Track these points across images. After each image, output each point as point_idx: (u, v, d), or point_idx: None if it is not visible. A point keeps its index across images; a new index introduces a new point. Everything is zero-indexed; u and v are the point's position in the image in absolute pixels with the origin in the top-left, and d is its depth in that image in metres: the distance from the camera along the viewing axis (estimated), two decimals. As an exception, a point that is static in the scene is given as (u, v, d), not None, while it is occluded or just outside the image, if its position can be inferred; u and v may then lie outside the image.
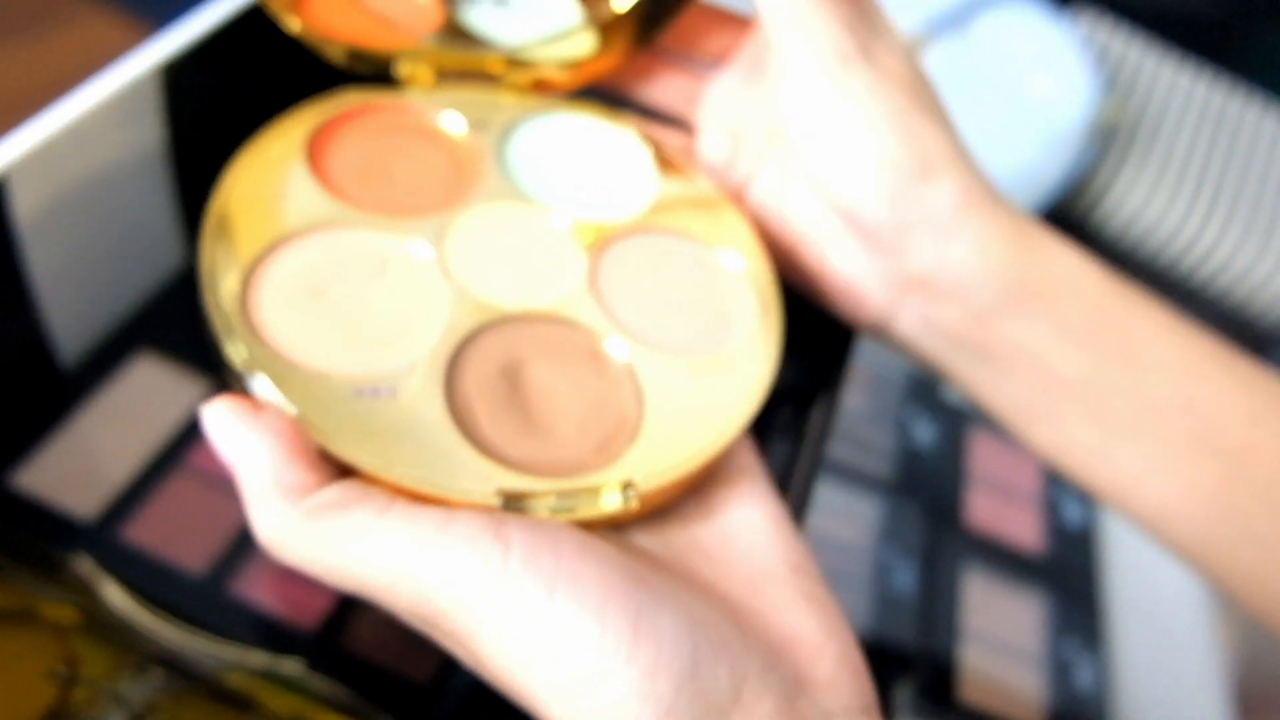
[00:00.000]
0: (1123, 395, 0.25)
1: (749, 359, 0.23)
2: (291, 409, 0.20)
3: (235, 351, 0.21)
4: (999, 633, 0.41)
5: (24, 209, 0.26)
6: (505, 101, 0.29)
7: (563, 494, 0.20)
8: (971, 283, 0.25)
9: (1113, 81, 0.74)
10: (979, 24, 0.69)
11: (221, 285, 0.22)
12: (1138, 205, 0.71)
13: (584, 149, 0.28)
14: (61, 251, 0.29)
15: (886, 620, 0.40)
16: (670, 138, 0.30)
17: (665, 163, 0.28)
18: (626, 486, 0.20)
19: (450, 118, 0.28)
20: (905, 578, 0.42)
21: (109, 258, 0.31)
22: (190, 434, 0.31)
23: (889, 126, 0.24)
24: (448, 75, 0.29)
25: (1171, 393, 0.25)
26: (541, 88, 0.29)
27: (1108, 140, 0.71)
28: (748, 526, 0.21)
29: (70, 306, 0.30)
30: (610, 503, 0.20)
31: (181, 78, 0.30)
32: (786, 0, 0.24)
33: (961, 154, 0.25)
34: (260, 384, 0.20)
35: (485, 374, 0.22)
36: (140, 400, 0.31)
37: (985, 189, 0.25)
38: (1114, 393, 0.25)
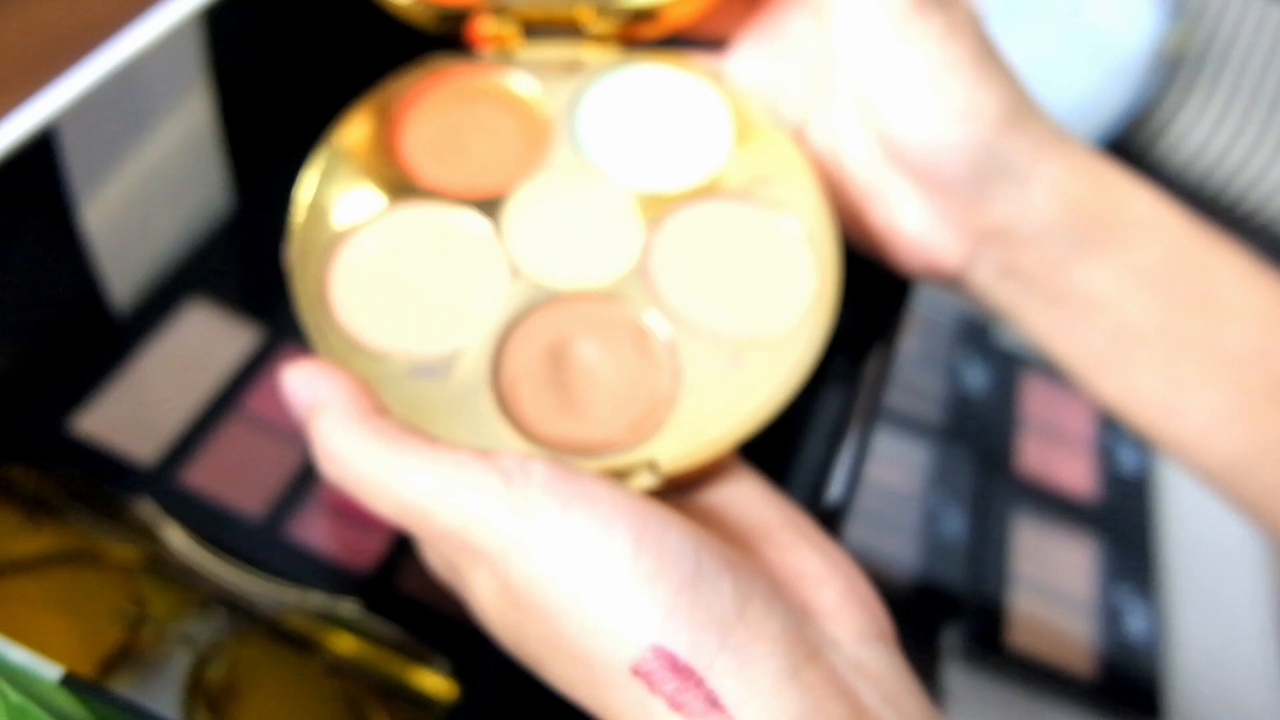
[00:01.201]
0: (1197, 344, 0.25)
1: (793, 344, 0.23)
2: None
3: (310, 332, 0.23)
4: (1050, 579, 0.41)
5: (74, 156, 0.26)
6: (587, 56, 0.28)
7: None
8: (1050, 225, 0.24)
9: (1180, 6, 0.70)
10: (1039, -54, 0.66)
11: (307, 269, 0.23)
12: (1203, 138, 0.68)
13: (658, 108, 0.27)
14: (112, 198, 0.29)
15: (936, 566, 0.40)
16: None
17: (741, 119, 0.27)
18: (651, 467, 0.21)
19: (525, 81, 0.27)
20: (955, 524, 0.41)
21: (158, 204, 0.31)
22: (244, 379, 0.31)
23: (975, 71, 0.23)
24: (533, 29, 0.28)
25: (1249, 341, 0.25)
26: (630, 36, 0.28)
27: (1173, 69, 0.68)
28: (735, 496, 0.22)
29: (121, 253, 0.30)
30: (635, 484, 0.21)
31: (225, 16, 0.29)
32: None
33: (1030, 95, 0.24)
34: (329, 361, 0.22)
35: (533, 354, 0.23)
36: (194, 346, 0.32)
37: (1057, 126, 0.25)
38: (1188, 341, 0.25)
